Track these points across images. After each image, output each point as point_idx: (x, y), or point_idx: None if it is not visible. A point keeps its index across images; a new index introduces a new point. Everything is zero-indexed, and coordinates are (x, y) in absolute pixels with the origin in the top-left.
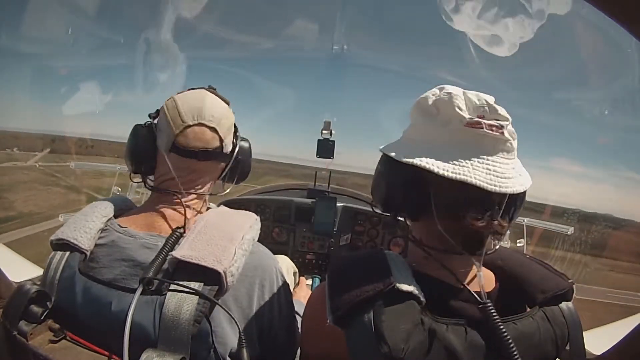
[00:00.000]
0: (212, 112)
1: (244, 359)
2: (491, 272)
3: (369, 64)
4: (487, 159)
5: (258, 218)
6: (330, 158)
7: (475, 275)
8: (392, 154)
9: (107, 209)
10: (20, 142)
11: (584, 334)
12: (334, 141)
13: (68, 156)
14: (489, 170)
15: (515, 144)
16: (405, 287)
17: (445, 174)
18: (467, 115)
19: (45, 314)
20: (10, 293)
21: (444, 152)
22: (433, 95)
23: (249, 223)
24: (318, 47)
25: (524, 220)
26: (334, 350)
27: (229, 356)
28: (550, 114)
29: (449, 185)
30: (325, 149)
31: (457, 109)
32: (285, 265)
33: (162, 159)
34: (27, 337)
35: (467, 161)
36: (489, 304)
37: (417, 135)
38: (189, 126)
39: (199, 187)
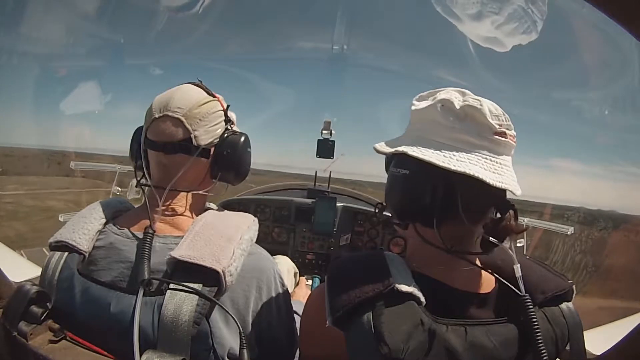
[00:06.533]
0: (179, 104)
1: (244, 359)
2: (488, 274)
3: (369, 64)
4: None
5: (256, 219)
6: (330, 158)
7: (474, 276)
8: (443, 164)
9: (106, 210)
10: None
11: (584, 333)
12: (334, 141)
13: (19, 178)
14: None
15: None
16: (404, 288)
17: (485, 176)
18: (496, 124)
19: (45, 314)
20: (10, 293)
21: (468, 155)
22: (456, 98)
23: (247, 224)
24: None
25: (524, 220)
26: (334, 351)
27: (227, 357)
28: (549, 113)
29: (473, 186)
30: (325, 149)
31: (489, 118)
32: (286, 266)
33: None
34: (27, 338)
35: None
36: (527, 297)
37: (439, 137)
38: (155, 119)
39: (181, 183)
